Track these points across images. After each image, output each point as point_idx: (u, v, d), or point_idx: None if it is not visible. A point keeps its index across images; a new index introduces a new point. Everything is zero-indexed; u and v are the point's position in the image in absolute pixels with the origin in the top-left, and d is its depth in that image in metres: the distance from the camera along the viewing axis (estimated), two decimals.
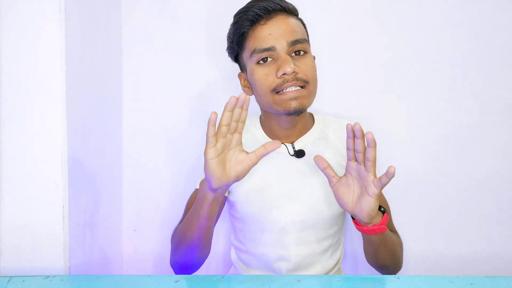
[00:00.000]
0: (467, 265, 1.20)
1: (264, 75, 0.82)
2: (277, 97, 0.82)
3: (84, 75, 0.93)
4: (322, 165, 0.76)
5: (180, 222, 0.91)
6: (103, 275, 0.70)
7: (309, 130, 0.93)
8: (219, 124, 0.68)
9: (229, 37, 0.89)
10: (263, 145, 0.71)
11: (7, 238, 0.83)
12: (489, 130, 1.17)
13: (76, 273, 0.88)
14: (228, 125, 0.68)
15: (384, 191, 0.96)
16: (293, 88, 0.80)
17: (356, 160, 0.72)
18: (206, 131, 0.67)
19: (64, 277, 0.72)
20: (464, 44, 1.15)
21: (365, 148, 0.70)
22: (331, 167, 0.76)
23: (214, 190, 0.71)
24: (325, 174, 0.76)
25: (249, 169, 0.72)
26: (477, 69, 1.15)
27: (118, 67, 1.15)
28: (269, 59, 0.82)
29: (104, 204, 1.08)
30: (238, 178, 0.71)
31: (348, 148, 0.72)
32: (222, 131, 0.68)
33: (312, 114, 0.97)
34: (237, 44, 0.86)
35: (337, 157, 0.91)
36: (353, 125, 0.68)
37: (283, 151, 0.90)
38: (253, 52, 0.82)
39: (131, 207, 1.20)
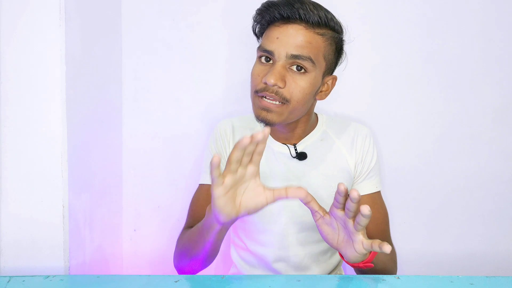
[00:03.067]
0: (467, 265, 1.20)
1: (256, 74, 0.81)
2: (256, 99, 0.80)
3: (84, 75, 0.93)
4: (305, 200, 0.65)
5: (186, 226, 0.91)
6: (103, 275, 0.70)
7: (312, 131, 0.92)
8: (228, 160, 0.60)
9: (252, 20, 0.86)
10: (285, 189, 0.64)
11: (7, 238, 0.83)
12: (489, 129, 1.17)
13: (76, 273, 0.88)
14: (239, 161, 0.60)
15: (384, 192, 0.96)
16: (269, 100, 0.78)
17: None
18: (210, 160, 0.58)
19: (64, 277, 0.72)
20: (463, 43, 1.15)
21: (357, 211, 0.62)
22: (315, 201, 0.67)
23: (221, 224, 0.65)
24: (308, 207, 0.67)
25: (263, 207, 0.64)
26: (476, 69, 1.16)
27: (118, 67, 1.15)
28: (269, 61, 0.80)
29: (104, 204, 1.08)
30: (249, 214, 0.64)
31: (336, 200, 0.65)
32: (231, 169, 0.60)
33: (317, 115, 0.96)
34: (254, 31, 0.86)
35: (338, 160, 0.90)
36: (351, 192, 0.61)
37: (285, 152, 0.89)
38: (259, 47, 0.82)
39: (131, 207, 1.20)
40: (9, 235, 0.83)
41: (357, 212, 0.63)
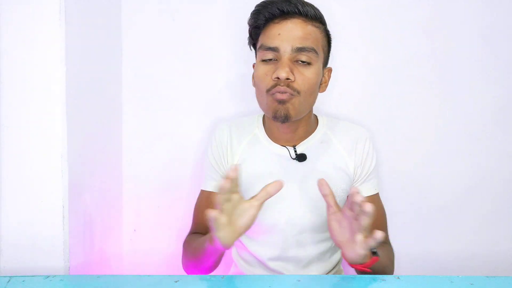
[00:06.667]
0: (467, 265, 1.20)
1: (264, 74, 0.81)
2: (269, 97, 0.81)
3: (84, 75, 0.93)
4: (324, 191, 0.72)
5: (191, 230, 0.94)
6: (103, 275, 0.70)
7: (312, 133, 0.92)
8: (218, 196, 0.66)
9: (248, 25, 0.87)
10: (265, 189, 0.68)
11: (7, 238, 0.83)
12: (488, 130, 1.17)
13: (76, 273, 0.88)
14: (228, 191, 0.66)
15: (382, 191, 0.96)
16: (282, 93, 0.79)
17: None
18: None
19: (64, 277, 0.72)
20: (462, 44, 1.15)
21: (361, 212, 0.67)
22: (332, 196, 0.72)
23: (225, 249, 0.70)
24: (325, 200, 0.73)
25: (256, 215, 0.69)
26: (476, 68, 1.16)
27: (118, 67, 1.15)
28: (273, 59, 0.81)
29: (104, 204, 1.08)
30: (248, 228, 0.69)
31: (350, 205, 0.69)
32: (224, 200, 0.66)
33: (316, 116, 0.96)
34: (251, 35, 0.87)
35: (337, 162, 0.90)
36: (354, 196, 0.65)
37: (285, 154, 0.89)
38: (260, 47, 0.82)
39: (131, 207, 1.20)
40: (9, 235, 0.83)
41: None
